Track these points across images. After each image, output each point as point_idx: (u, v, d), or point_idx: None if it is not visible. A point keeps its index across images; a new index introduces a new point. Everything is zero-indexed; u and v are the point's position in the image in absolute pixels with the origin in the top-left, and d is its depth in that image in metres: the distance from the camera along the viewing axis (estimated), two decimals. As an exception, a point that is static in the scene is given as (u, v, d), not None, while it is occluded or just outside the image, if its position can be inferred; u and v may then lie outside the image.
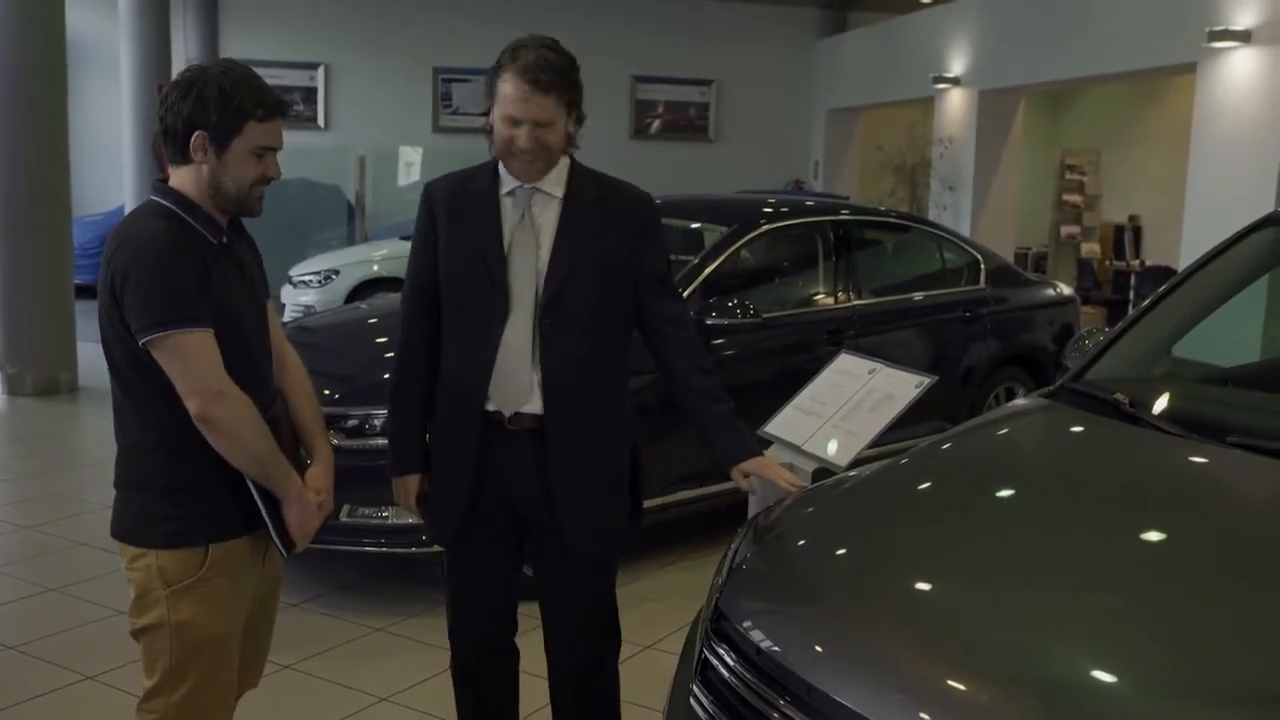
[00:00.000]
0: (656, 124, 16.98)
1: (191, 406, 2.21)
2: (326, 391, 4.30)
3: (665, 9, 16.49)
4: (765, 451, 3.07)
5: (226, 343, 2.27)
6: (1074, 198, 15.81)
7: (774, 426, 3.20)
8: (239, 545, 2.35)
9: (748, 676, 2.00)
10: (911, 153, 14.55)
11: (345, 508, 4.27)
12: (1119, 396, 2.64)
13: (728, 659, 2.07)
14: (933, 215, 12.87)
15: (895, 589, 2.05)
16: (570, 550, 2.66)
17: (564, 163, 2.63)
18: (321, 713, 3.61)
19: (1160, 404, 2.66)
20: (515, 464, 2.63)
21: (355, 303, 8.10)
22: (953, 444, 2.77)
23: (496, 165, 2.63)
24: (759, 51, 16.89)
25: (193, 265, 2.23)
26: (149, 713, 2.35)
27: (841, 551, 2.27)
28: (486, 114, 2.56)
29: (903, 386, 3.07)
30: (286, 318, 9.08)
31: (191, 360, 2.21)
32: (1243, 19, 8.91)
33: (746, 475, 2.69)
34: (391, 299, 6.57)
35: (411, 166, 15.21)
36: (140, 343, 2.20)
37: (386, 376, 4.55)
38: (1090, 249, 15.27)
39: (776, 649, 1.98)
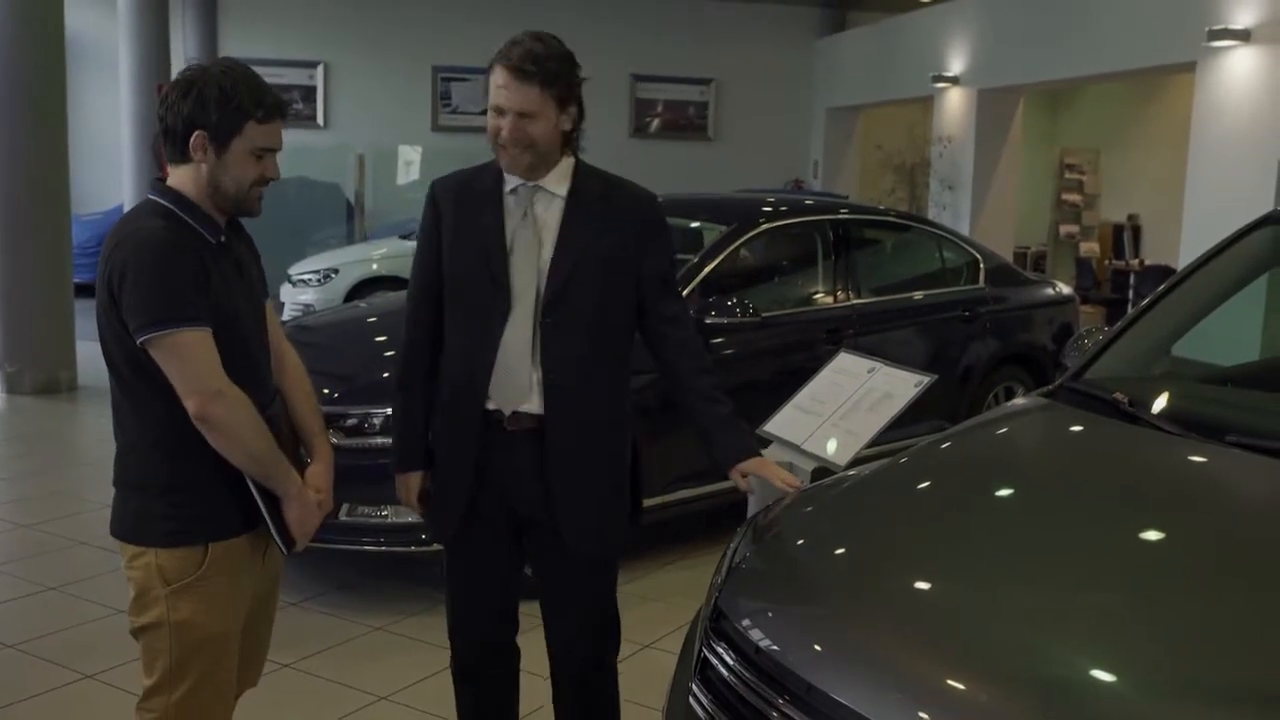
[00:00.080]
0: (656, 123, 16.98)
1: (190, 406, 2.21)
2: (326, 390, 4.30)
3: (665, 8, 16.49)
4: (765, 450, 3.08)
5: (225, 342, 2.26)
6: (1073, 197, 15.81)
7: (773, 425, 3.21)
8: (238, 544, 2.35)
9: (747, 675, 2.00)
10: (911, 152, 14.55)
11: (344, 506, 4.27)
12: (1118, 396, 2.64)
13: (727, 658, 2.07)
14: (932, 214, 12.87)
15: (894, 588, 2.05)
16: (570, 550, 2.65)
17: (568, 162, 2.62)
18: (321, 711, 3.61)
19: (1159, 403, 2.66)
20: (514, 464, 2.63)
21: (354, 301, 8.10)
22: (952, 443, 2.77)
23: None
24: (758, 50, 16.88)
25: (191, 264, 2.23)
26: (148, 711, 2.34)
27: (841, 551, 2.27)
28: (484, 113, 2.57)
29: (902, 385, 3.07)
30: (286, 316, 9.08)
31: (189, 359, 2.21)
32: (1242, 18, 8.91)
33: (745, 476, 2.69)
34: (391, 298, 6.57)
35: (411, 165, 15.21)
36: (138, 342, 2.20)
37: (386, 375, 4.62)
38: (1089, 248, 15.27)
39: (776, 648, 1.98)
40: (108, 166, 13.09)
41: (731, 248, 5.33)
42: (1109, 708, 1.65)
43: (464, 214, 2.65)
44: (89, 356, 7.55)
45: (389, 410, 4.28)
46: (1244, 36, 8.86)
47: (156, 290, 2.19)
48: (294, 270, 10.45)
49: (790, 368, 4.88)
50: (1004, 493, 2.46)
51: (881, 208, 7.71)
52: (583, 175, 2.64)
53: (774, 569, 2.32)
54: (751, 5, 16.83)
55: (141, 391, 2.27)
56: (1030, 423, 2.86)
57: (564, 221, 2.59)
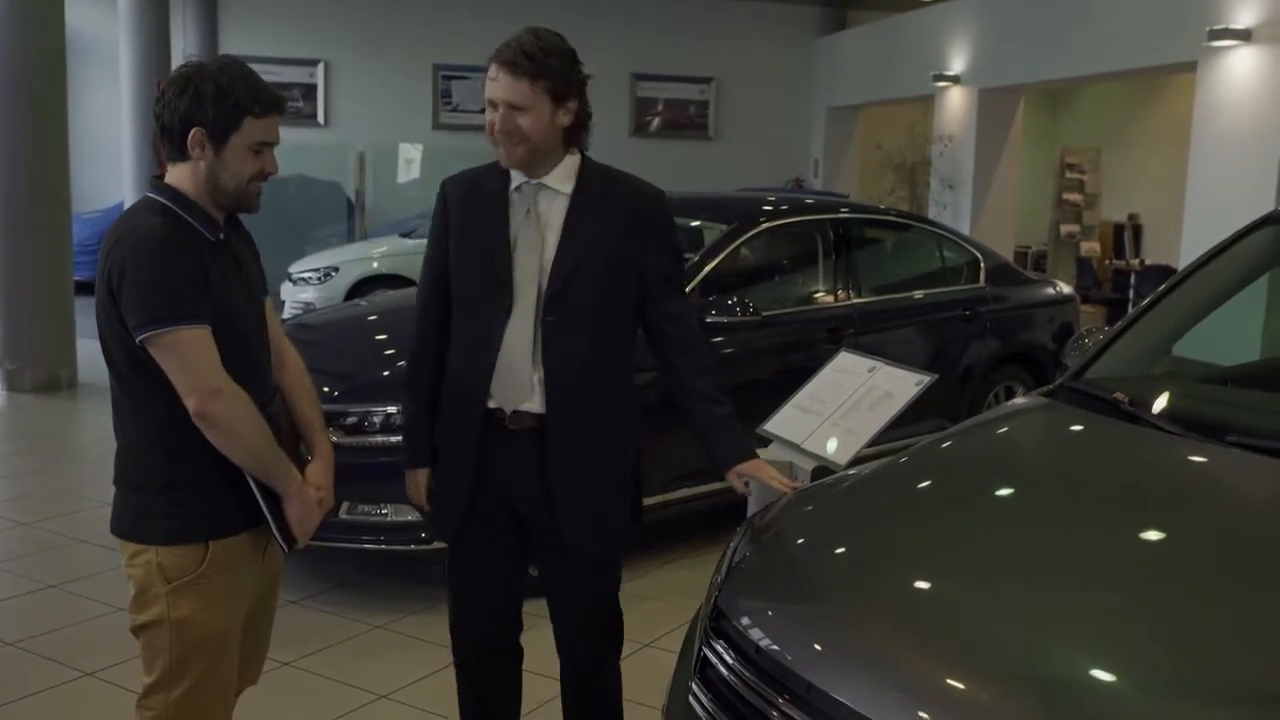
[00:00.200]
0: (656, 122, 16.97)
1: (190, 404, 2.21)
2: (326, 389, 4.30)
3: (665, 7, 16.49)
4: (765, 449, 3.08)
5: (225, 340, 2.26)
6: (1074, 196, 15.81)
7: (773, 425, 3.21)
8: (239, 542, 2.35)
9: (747, 675, 2.00)
10: (911, 151, 14.55)
11: (344, 505, 4.27)
12: (1119, 395, 2.64)
13: (727, 657, 2.07)
14: (932, 214, 12.87)
15: (895, 587, 2.05)
16: (571, 550, 2.65)
17: (573, 159, 2.61)
18: (321, 710, 3.61)
19: (1160, 403, 2.66)
20: (515, 463, 2.63)
21: (355, 300, 8.10)
22: (952, 442, 2.77)
23: None
24: (759, 49, 16.88)
25: (189, 262, 2.23)
26: (148, 709, 2.34)
27: (841, 550, 2.27)
28: (484, 110, 2.56)
29: (902, 385, 3.07)
30: (286, 315, 9.08)
31: (189, 357, 2.21)
32: (1243, 18, 8.90)
33: (741, 478, 2.68)
34: (391, 296, 6.57)
35: (411, 164, 15.21)
36: (137, 340, 2.20)
37: (386, 374, 4.62)
38: (1090, 248, 15.27)
39: (776, 647, 1.98)
40: (108, 164, 13.10)
41: (732, 247, 5.32)
42: (1109, 707, 1.65)
43: (470, 212, 2.65)
44: (89, 354, 7.55)
45: (389, 408, 4.31)
46: (1245, 36, 8.86)
47: (155, 288, 2.19)
48: (294, 268, 10.45)
49: (791, 367, 4.88)
50: (1004, 492, 2.46)
51: (882, 207, 7.71)
52: (588, 172, 2.62)
53: (774, 568, 2.32)
54: (752, 4, 16.83)
55: (141, 389, 2.27)
56: (1030, 422, 2.85)
57: (567, 219, 2.58)
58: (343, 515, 4.26)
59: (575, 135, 2.59)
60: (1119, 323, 3.13)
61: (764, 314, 5.11)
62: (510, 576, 2.77)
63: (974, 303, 6.21)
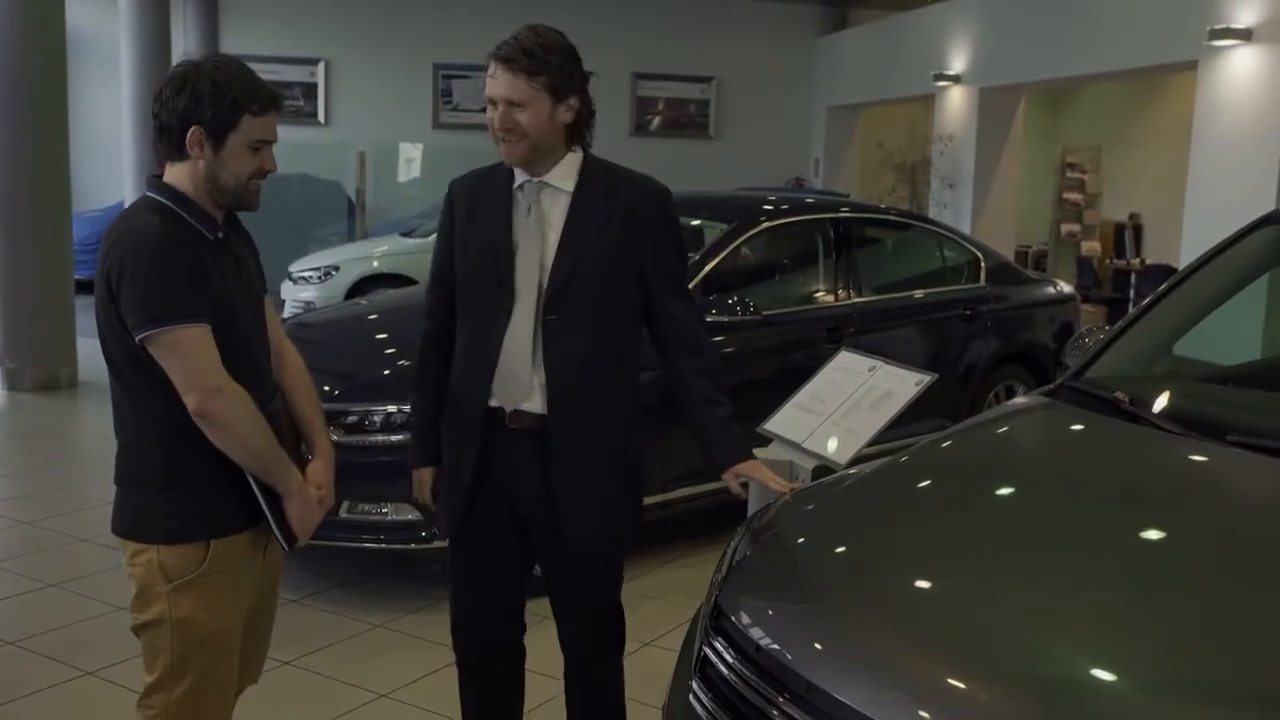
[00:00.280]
0: (657, 121, 16.97)
1: (190, 402, 2.21)
2: (326, 388, 4.30)
3: (666, 6, 16.48)
4: (766, 448, 3.08)
5: (224, 338, 2.26)
6: (1074, 196, 15.79)
7: (774, 424, 3.21)
8: (240, 540, 2.35)
9: (747, 674, 2.00)
10: (912, 150, 14.55)
11: (345, 504, 4.28)
12: (1119, 395, 2.64)
13: (727, 656, 2.07)
14: (933, 213, 12.87)
15: (895, 587, 2.05)
16: (571, 549, 2.65)
17: (575, 157, 2.60)
18: (321, 709, 3.61)
19: (1160, 402, 2.66)
20: (515, 463, 2.62)
21: (355, 299, 8.10)
22: (953, 442, 2.77)
23: None
24: (759, 49, 16.88)
25: (188, 261, 2.22)
26: (149, 709, 2.34)
27: (841, 549, 2.27)
28: (485, 109, 2.56)
29: (902, 384, 3.07)
30: (286, 314, 9.08)
31: (188, 356, 2.21)
32: (1244, 17, 8.90)
33: (739, 478, 2.68)
34: (391, 295, 6.57)
35: (411, 163, 15.22)
36: (137, 339, 2.20)
37: (386, 372, 4.62)
38: (1090, 247, 15.26)
39: (776, 646, 1.98)
40: (108, 163, 13.10)
41: (732, 246, 5.32)
42: (1109, 707, 1.65)
43: (475, 212, 2.65)
44: (89, 353, 7.55)
45: (389, 407, 4.31)
46: (1245, 36, 8.85)
47: (154, 287, 2.18)
48: (295, 267, 10.45)
49: (791, 366, 4.88)
50: (1004, 492, 2.46)
51: (882, 206, 7.71)
52: (591, 170, 2.61)
53: (774, 567, 2.32)
54: (752, 3, 16.83)
55: (141, 388, 2.27)
56: (1031, 422, 2.85)
57: (568, 218, 2.57)
58: (343, 514, 4.27)
59: (577, 132, 2.58)
60: (1119, 322, 3.13)
61: (764, 313, 5.12)
62: (511, 576, 2.76)
63: (974, 302, 6.21)
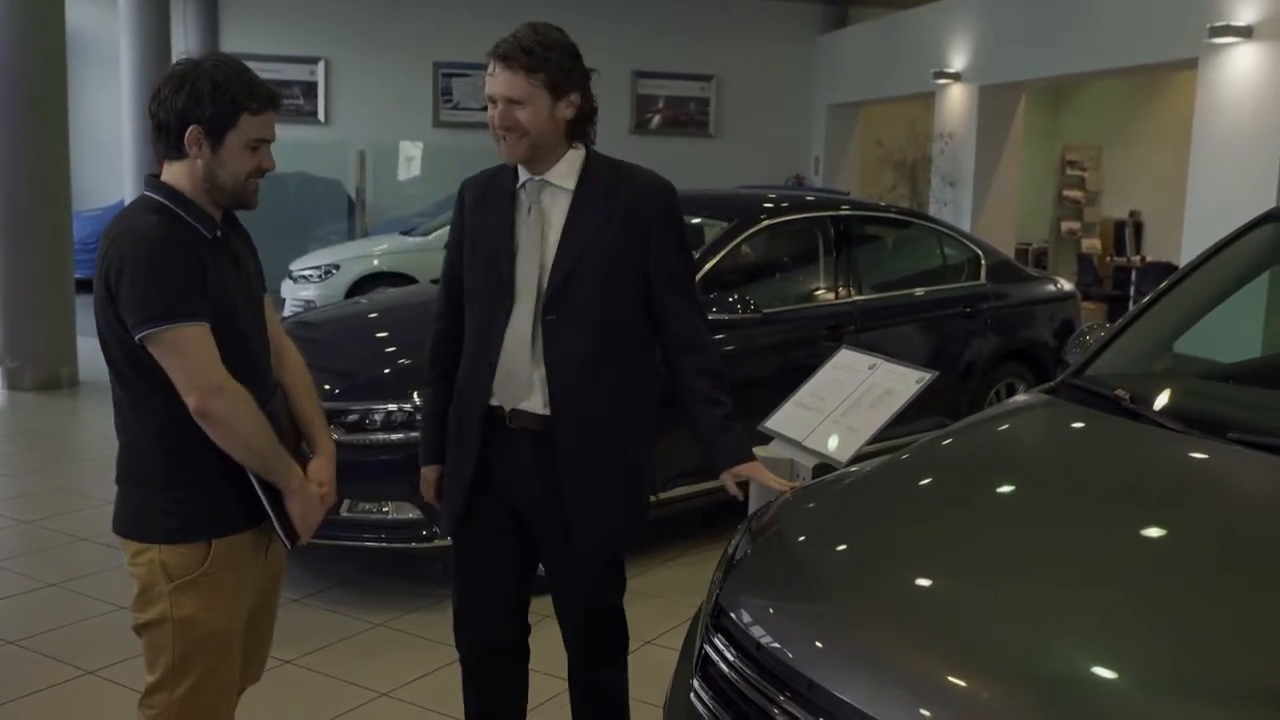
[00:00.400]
0: (657, 119, 16.96)
1: (190, 402, 2.21)
2: (327, 386, 4.30)
3: (666, 4, 16.47)
4: (767, 447, 3.08)
5: (224, 337, 2.26)
6: (1075, 193, 15.79)
7: (774, 422, 3.21)
8: (241, 540, 2.35)
9: (748, 672, 2.00)
10: (912, 148, 14.55)
11: (345, 503, 4.27)
12: (1120, 392, 2.64)
13: (728, 654, 2.07)
14: (933, 211, 12.86)
15: (896, 585, 2.04)
16: (572, 549, 2.64)
17: (576, 154, 2.59)
18: (322, 707, 3.61)
19: (1161, 400, 2.65)
20: (514, 462, 2.62)
21: (355, 298, 8.11)
22: (953, 440, 2.77)
23: None
24: (759, 47, 16.87)
25: (187, 259, 2.22)
26: (151, 708, 2.34)
27: (842, 547, 2.27)
28: (485, 108, 2.56)
29: (903, 382, 3.07)
30: (287, 312, 9.08)
31: (188, 355, 2.21)
32: (1244, 14, 8.89)
33: (737, 479, 2.67)
34: (392, 294, 6.57)
35: (411, 161, 15.22)
36: (136, 339, 2.20)
37: (387, 371, 4.62)
38: (1091, 244, 15.26)
39: (777, 645, 1.98)
40: (108, 162, 13.10)
41: (733, 244, 5.32)
42: (1110, 705, 1.65)
43: (481, 211, 2.65)
44: (90, 352, 7.54)
45: (390, 406, 4.31)
46: (1246, 33, 8.84)
47: (153, 286, 2.18)
48: (295, 266, 10.46)
49: (792, 364, 4.88)
50: (1005, 489, 2.46)
51: (882, 204, 7.71)
52: (593, 167, 2.60)
53: (775, 565, 2.31)
54: (753, 1, 16.82)
55: (141, 387, 2.27)
56: (1032, 419, 2.85)
57: (569, 217, 2.57)
58: (344, 513, 4.27)
59: (579, 129, 2.57)
60: (1120, 320, 3.13)
61: (765, 311, 5.11)
62: (513, 576, 2.75)
63: (975, 300, 6.21)
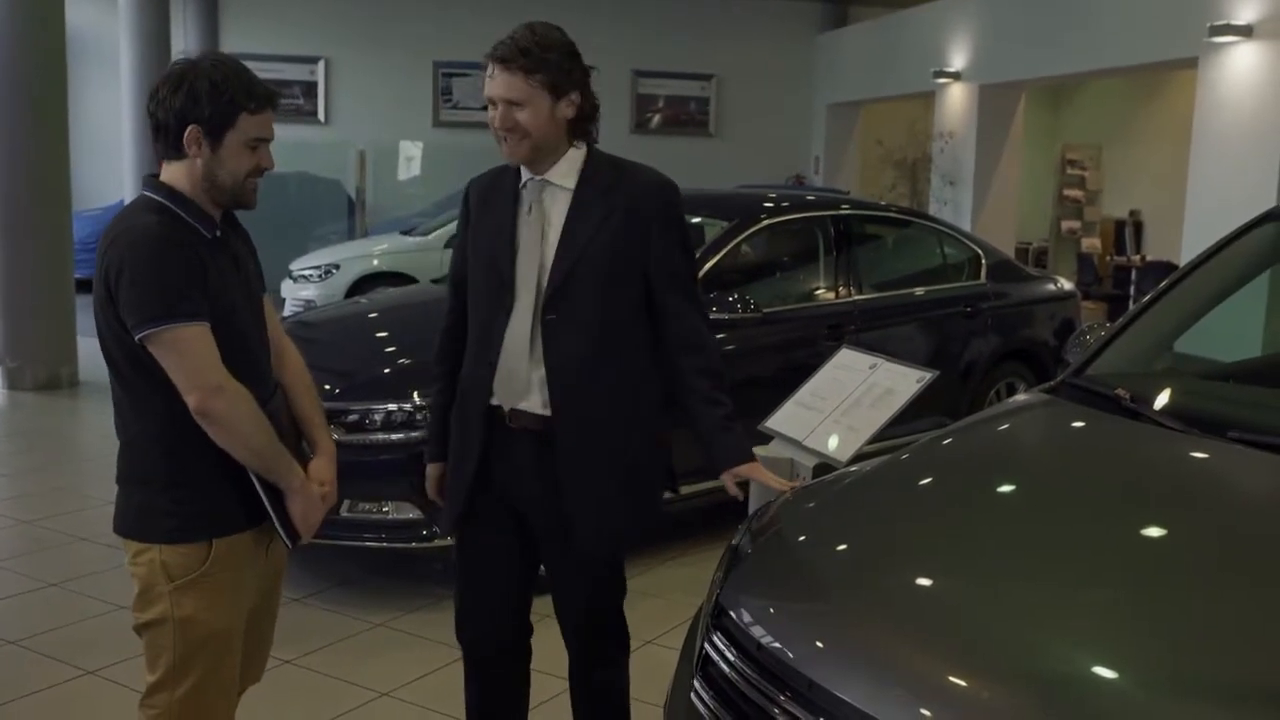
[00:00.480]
0: (657, 119, 16.97)
1: (190, 401, 2.21)
2: (327, 386, 4.30)
3: (666, 4, 16.47)
4: (767, 446, 3.08)
5: (224, 337, 2.26)
6: (1075, 193, 15.79)
7: (775, 422, 3.21)
8: (242, 539, 2.35)
9: (749, 672, 2.00)
10: (912, 148, 14.54)
11: (346, 503, 4.27)
12: (1120, 392, 2.64)
13: (729, 654, 2.07)
14: (933, 210, 12.86)
15: (896, 584, 2.04)
16: (572, 549, 2.64)
17: (578, 153, 2.58)
18: (322, 707, 3.61)
19: (1161, 399, 2.65)
20: (514, 462, 2.62)
21: (355, 297, 8.10)
22: (954, 439, 2.77)
23: None
24: (759, 46, 16.87)
25: (187, 259, 2.22)
26: (151, 708, 2.34)
27: (843, 547, 2.27)
28: (485, 108, 2.57)
29: (903, 381, 3.07)
30: (287, 312, 9.08)
31: (188, 355, 2.21)
32: (1244, 13, 8.89)
33: (736, 479, 2.67)
34: (392, 293, 6.57)
35: (411, 161, 15.23)
36: (136, 338, 2.20)
37: (387, 371, 4.62)
38: (1091, 244, 15.26)
39: (777, 644, 1.98)
40: (108, 162, 13.11)
41: (733, 243, 5.32)
42: (1110, 704, 1.65)
43: (484, 211, 2.66)
44: (90, 352, 7.53)
45: (390, 406, 4.31)
46: (1246, 32, 8.85)
47: (153, 286, 2.18)
48: (295, 266, 10.46)
49: (792, 364, 4.87)
50: (1006, 489, 2.46)
51: (883, 203, 7.70)
52: (594, 165, 2.59)
53: (776, 565, 2.31)
54: (752, 1, 16.82)
55: (141, 387, 2.27)
56: (1032, 419, 2.85)
57: (568, 217, 2.56)
58: (344, 513, 4.27)
59: (581, 128, 2.57)
60: (1120, 319, 3.13)
61: (765, 311, 5.11)
62: (514, 576, 2.75)
63: (975, 299, 6.20)
